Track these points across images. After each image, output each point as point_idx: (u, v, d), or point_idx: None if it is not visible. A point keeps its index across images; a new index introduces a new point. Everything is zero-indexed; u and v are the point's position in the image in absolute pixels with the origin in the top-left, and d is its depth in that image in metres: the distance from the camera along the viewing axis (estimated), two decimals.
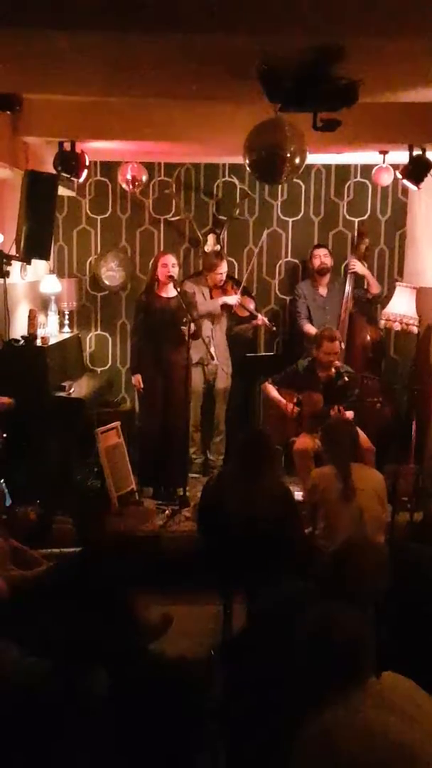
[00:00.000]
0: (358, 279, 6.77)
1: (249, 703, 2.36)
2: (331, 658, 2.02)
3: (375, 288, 6.80)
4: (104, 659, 2.95)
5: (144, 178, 6.60)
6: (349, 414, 5.82)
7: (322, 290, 6.86)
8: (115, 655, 2.84)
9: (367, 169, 6.90)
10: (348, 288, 6.70)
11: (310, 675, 2.04)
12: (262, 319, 6.66)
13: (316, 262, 6.80)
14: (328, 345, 5.94)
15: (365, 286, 6.78)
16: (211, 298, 6.61)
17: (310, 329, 6.63)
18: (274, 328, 6.93)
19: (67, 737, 2.38)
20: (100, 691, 2.63)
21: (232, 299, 6.57)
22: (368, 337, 6.76)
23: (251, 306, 6.72)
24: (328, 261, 6.80)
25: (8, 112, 4.92)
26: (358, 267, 6.71)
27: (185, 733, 2.49)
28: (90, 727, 2.45)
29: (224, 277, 6.66)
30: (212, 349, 6.46)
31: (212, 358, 6.46)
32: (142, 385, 6.29)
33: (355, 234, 7.00)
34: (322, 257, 6.78)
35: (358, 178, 7.21)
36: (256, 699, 2.29)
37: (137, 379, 6.30)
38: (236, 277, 7.07)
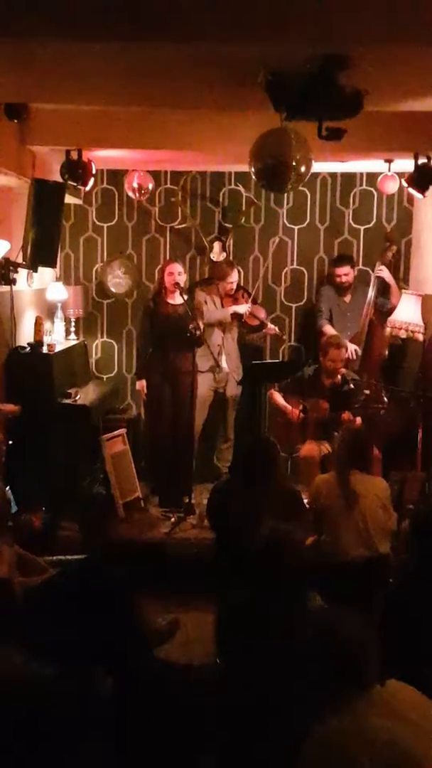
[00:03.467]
0: (382, 286, 6.74)
1: (251, 711, 2.36)
2: (334, 666, 2.03)
3: (396, 299, 6.74)
4: (109, 665, 2.95)
5: (150, 186, 6.63)
6: (358, 421, 5.83)
7: (346, 297, 6.85)
8: (120, 661, 2.85)
9: (372, 177, 6.92)
10: (371, 293, 6.67)
11: (314, 682, 2.04)
12: (272, 327, 6.67)
13: (337, 281, 6.80)
14: (335, 352, 5.95)
15: (388, 296, 6.75)
16: (222, 306, 6.63)
17: (329, 330, 6.63)
18: (284, 337, 6.95)
19: (72, 742, 2.38)
20: (105, 697, 2.63)
21: (242, 308, 6.59)
22: (385, 345, 6.74)
23: (262, 315, 6.74)
24: (350, 278, 6.79)
25: (15, 121, 4.97)
26: (385, 273, 6.67)
27: (190, 739, 2.49)
28: (95, 731, 2.45)
29: (235, 285, 6.68)
30: (222, 357, 6.48)
31: (219, 366, 6.47)
32: (146, 391, 6.30)
33: (384, 242, 6.91)
34: (343, 277, 6.77)
35: (364, 186, 7.22)
36: (258, 706, 2.29)
37: (141, 385, 6.32)
38: (242, 284, 7.08)
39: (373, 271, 6.73)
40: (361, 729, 1.94)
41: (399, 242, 7.18)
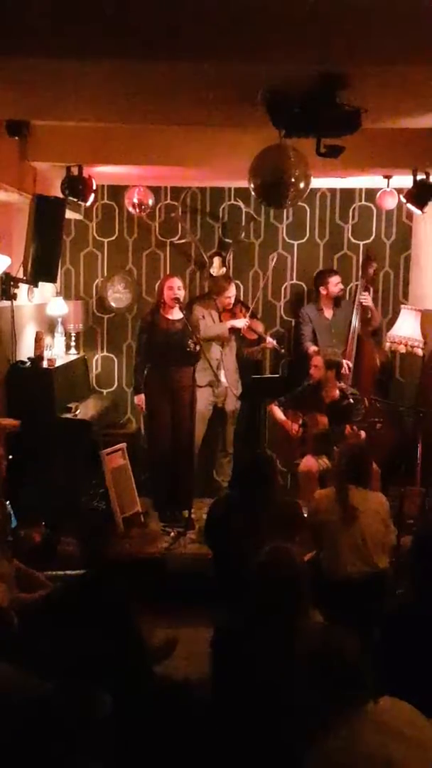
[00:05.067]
0: (365, 309, 6.80)
1: (247, 728, 2.35)
2: (331, 684, 2.02)
3: (376, 322, 6.87)
4: (108, 681, 2.94)
5: (150, 201, 6.66)
6: (362, 434, 5.84)
7: (328, 313, 6.89)
8: (118, 677, 2.84)
9: (371, 193, 6.95)
10: (355, 319, 6.73)
11: (309, 700, 2.04)
12: (270, 341, 6.68)
13: (335, 290, 6.84)
14: (316, 358, 6.21)
15: (369, 316, 6.82)
16: (221, 321, 6.65)
17: (315, 349, 6.66)
18: (283, 351, 6.97)
19: (70, 758, 2.37)
20: (103, 713, 2.63)
21: (240, 322, 6.60)
22: (377, 360, 6.78)
23: (260, 329, 6.76)
24: (341, 286, 6.87)
25: (16, 138, 5.00)
26: (369, 300, 6.77)
27: (188, 755, 2.48)
28: (93, 748, 2.44)
29: (233, 300, 6.70)
30: (221, 372, 6.49)
31: (218, 381, 6.48)
32: (144, 406, 6.30)
33: (362, 258, 7.01)
34: (340, 285, 6.85)
35: (363, 202, 7.25)
36: (254, 724, 2.28)
37: (140, 399, 6.32)
38: (242, 299, 7.11)
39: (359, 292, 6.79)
40: (358, 747, 1.94)
41: (398, 258, 7.23)
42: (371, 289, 6.90)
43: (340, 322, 6.82)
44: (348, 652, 2.09)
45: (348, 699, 2.01)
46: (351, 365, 6.64)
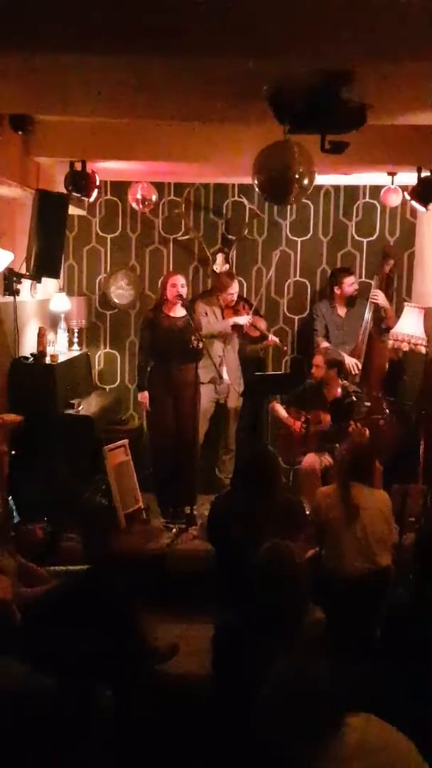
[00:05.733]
0: (378, 308, 6.77)
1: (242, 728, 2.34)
2: (300, 712, 1.98)
3: (391, 322, 6.75)
4: (109, 677, 2.95)
5: (154, 197, 6.65)
6: (366, 432, 5.84)
7: (341, 311, 6.87)
8: (120, 673, 2.85)
9: (375, 190, 6.94)
10: (367, 316, 6.69)
11: (279, 729, 2.00)
12: (273, 339, 6.68)
13: (349, 290, 6.81)
14: (315, 358, 6.18)
15: (384, 315, 6.77)
16: (223, 318, 6.64)
17: (326, 345, 6.65)
18: (285, 348, 6.96)
19: (72, 754, 2.38)
20: (104, 708, 2.63)
21: (243, 319, 6.60)
22: (386, 358, 6.76)
23: (262, 326, 6.75)
24: (355, 287, 6.83)
25: (20, 133, 5.00)
26: (381, 299, 6.71)
27: (187, 752, 2.48)
28: (94, 744, 2.45)
29: (235, 297, 6.69)
30: (223, 369, 6.49)
31: (221, 378, 6.48)
32: (148, 403, 6.30)
33: (381, 255, 6.95)
34: (354, 285, 6.80)
35: (367, 199, 7.24)
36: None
37: (144, 397, 6.32)
38: (245, 296, 7.10)
39: (371, 288, 6.76)
40: None
41: (401, 255, 7.20)
42: (392, 287, 6.86)
43: (353, 320, 6.79)
44: (316, 678, 2.05)
45: (321, 726, 1.97)
46: (359, 364, 6.61)
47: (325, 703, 1.99)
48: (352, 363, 6.58)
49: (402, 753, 2.01)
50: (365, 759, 1.95)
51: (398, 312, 6.95)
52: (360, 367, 6.63)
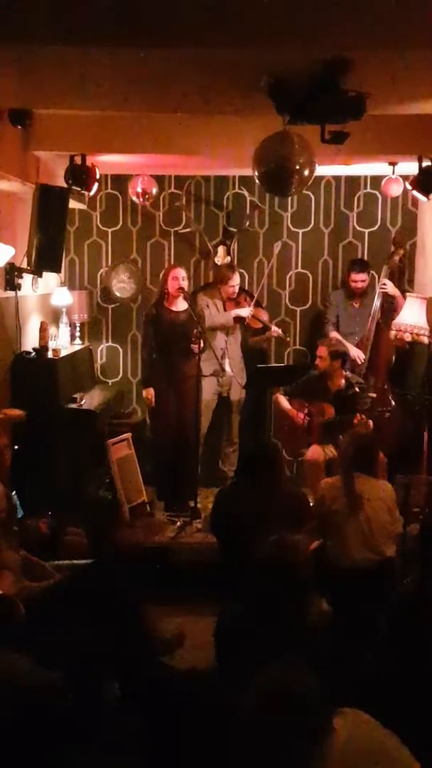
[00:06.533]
0: (388, 297, 6.74)
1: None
2: (285, 722, 1.96)
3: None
4: (115, 671, 2.95)
5: (154, 190, 6.63)
6: (370, 424, 5.83)
7: (356, 302, 6.85)
8: (126, 667, 2.85)
9: (376, 181, 6.92)
10: (377, 306, 6.67)
11: (264, 739, 1.98)
12: (275, 330, 6.67)
13: (354, 285, 6.80)
14: (318, 349, 6.12)
15: (394, 304, 6.75)
16: (225, 310, 6.63)
17: (335, 336, 6.64)
18: (288, 339, 6.95)
19: (78, 748, 2.38)
20: (111, 703, 2.63)
21: (245, 311, 6.59)
22: (393, 349, 6.73)
23: (264, 318, 6.74)
24: (365, 284, 6.79)
25: (19, 127, 4.98)
26: (390, 288, 6.69)
27: (195, 745, 2.49)
28: (100, 738, 2.45)
29: (237, 289, 6.68)
30: (226, 362, 6.49)
31: (223, 370, 6.48)
32: (153, 400, 6.30)
33: (391, 245, 6.91)
34: (360, 283, 6.77)
35: (368, 189, 7.22)
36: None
37: (149, 393, 6.31)
38: (247, 288, 7.09)
39: (379, 276, 6.73)
40: None
41: (405, 245, 7.19)
42: (403, 277, 6.84)
43: (366, 311, 6.77)
44: (300, 687, 2.03)
45: (308, 734, 1.95)
46: (364, 356, 6.60)
47: (311, 718, 1.96)
48: (356, 354, 6.57)
49: (388, 752, 2.00)
50: (351, 760, 1.93)
51: None
52: (363, 358, 6.61)
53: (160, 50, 3.38)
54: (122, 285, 7.24)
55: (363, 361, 6.60)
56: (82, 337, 7.03)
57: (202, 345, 5.99)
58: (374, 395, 6.24)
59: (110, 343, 7.41)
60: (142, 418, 7.16)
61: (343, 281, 7.03)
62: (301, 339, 7.30)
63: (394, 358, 6.74)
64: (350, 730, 1.98)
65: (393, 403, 6.46)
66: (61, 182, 5.60)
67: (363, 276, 6.77)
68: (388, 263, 6.78)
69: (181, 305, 6.21)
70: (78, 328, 6.95)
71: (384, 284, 6.66)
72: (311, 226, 7.28)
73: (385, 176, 6.40)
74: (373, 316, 6.66)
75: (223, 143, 5.49)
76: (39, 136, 5.30)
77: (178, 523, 5.90)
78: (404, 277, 7.08)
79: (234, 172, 7.02)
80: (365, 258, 7.14)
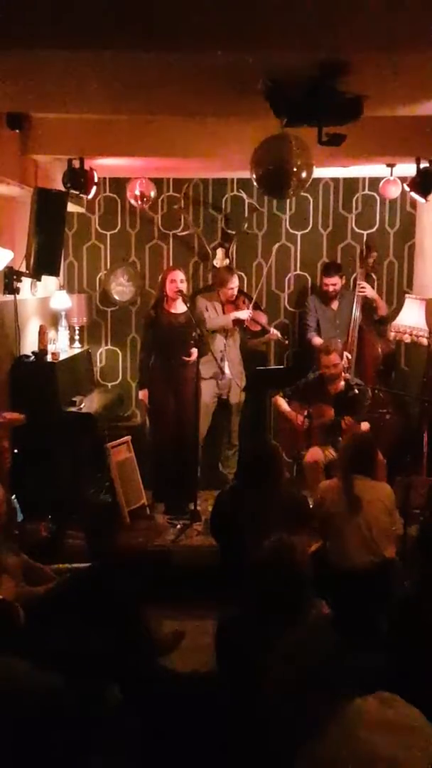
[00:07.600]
0: (367, 300, 6.77)
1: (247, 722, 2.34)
2: (304, 686, 1.98)
3: (383, 310, 6.82)
4: (116, 674, 2.95)
5: (153, 193, 6.64)
6: (365, 425, 5.81)
7: (333, 304, 6.87)
8: (126, 670, 2.85)
9: (374, 182, 6.92)
10: (356, 309, 6.69)
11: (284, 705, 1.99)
12: (274, 332, 6.67)
13: (324, 289, 6.83)
14: (326, 358, 6.03)
15: (374, 305, 6.78)
16: (224, 313, 6.63)
17: (318, 341, 6.66)
18: (287, 342, 6.95)
19: (79, 752, 2.38)
20: (111, 706, 2.63)
21: (244, 314, 6.58)
22: (379, 350, 6.75)
23: (263, 320, 6.74)
24: (338, 287, 6.80)
25: (17, 131, 4.99)
26: (368, 291, 6.72)
27: (197, 748, 2.48)
28: (102, 741, 2.45)
29: (236, 291, 6.68)
30: (225, 364, 6.48)
31: (222, 373, 6.47)
32: (148, 401, 6.30)
33: (363, 247, 6.98)
34: (331, 286, 6.78)
35: (366, 191, 7.22)
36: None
37: (144, 394, 6.32)
38: (245, 290, 7.09)
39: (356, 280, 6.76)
40: (349, 745, 1.91)
41: (401, 246, 7.20)
42: (374, 279, 6.87)
43: (345, 313, 6.79)
44: (319, 651, 2.05)
45: (325, 701, 1.97)
46: (351, 357, 6.61)
47: (332, 678, 1.98)
48: (346, 357, 6.59)
49: (423, 734, 1.99)
50: (380, 736, 1.93)
51: (398, 304, 6.96)
52: (351, 358, 6.61)
53: (157, 53, 3.38)
54: (121, 288, 7.24)
55: (350, 363, 6.61)
56: (81, 341, 7.03)
57: (195, 354, 6.00)
58: (372, 396, 6.24)
59: (109, 347, 7.41)
60: (142, 421, 7.15)
61: (315, 286, 7.05)
62: (300, 341, 7.30)
63: (381, 358, 6.76)
64: (382, 702, 1.98)
65: (390, 404, 6.47)
66: (60, 186, 5.60)
67: (335, 279, 6.79)
68: (363, 267, 6.80)
69: (179, 308, 6.21)
70: (77, 332, 6.95)
71: (363, 287, 6.69)
72: (310, 228, 7.28)
73: (383, 178, 6.40)
74: (355, 321, 6.67)
75: (221, 146, 5.50)
76: (37, 139, 5.31)
77: (178, 526, 5.89)
78: (379, 280, 7.15)
79: (232, 174, 7.03)
80: (359, 260, 7.15)
